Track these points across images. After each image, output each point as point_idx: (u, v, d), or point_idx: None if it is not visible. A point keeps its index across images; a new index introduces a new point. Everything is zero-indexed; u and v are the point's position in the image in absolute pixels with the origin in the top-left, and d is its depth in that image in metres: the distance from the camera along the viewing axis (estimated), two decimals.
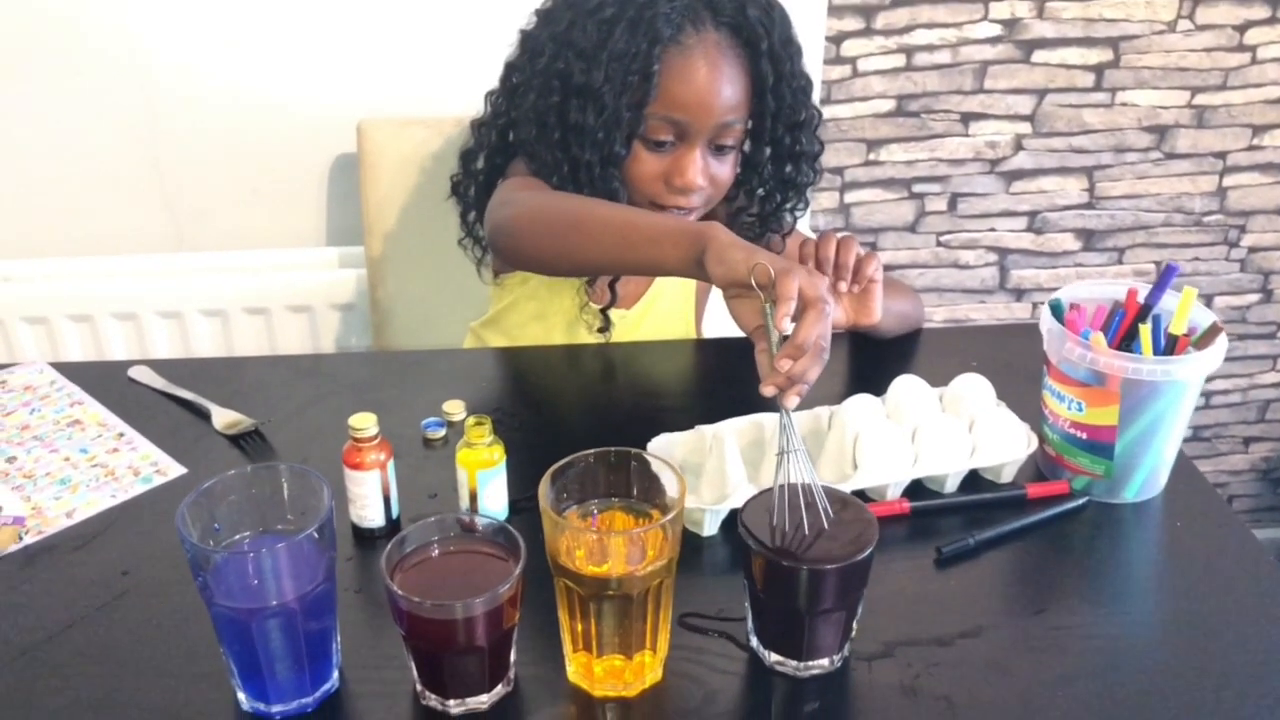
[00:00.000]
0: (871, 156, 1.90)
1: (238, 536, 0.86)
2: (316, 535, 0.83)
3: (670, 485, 0.88)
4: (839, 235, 1.22)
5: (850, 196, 1.93)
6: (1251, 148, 1.97)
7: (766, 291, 0.90)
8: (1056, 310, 1.09)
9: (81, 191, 1.72)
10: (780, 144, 1.28)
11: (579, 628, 0.86)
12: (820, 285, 0.89)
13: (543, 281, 1.36)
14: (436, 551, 0.87)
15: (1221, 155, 1.98)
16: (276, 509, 0.87)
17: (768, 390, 0.90)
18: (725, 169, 1.27)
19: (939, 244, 1.99)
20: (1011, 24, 1.82)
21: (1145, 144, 1.94)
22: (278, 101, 1.68)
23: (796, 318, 0.89)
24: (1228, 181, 2.00)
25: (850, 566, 0.85)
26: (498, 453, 1.02)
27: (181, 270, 1.74)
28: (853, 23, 1.79)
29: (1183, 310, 1.06)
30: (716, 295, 1.13)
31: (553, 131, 1.23)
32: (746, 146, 1.30)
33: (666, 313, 1.44)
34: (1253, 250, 2.08)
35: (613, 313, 1.37)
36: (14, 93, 1.65)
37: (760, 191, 1.33)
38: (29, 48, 1.62)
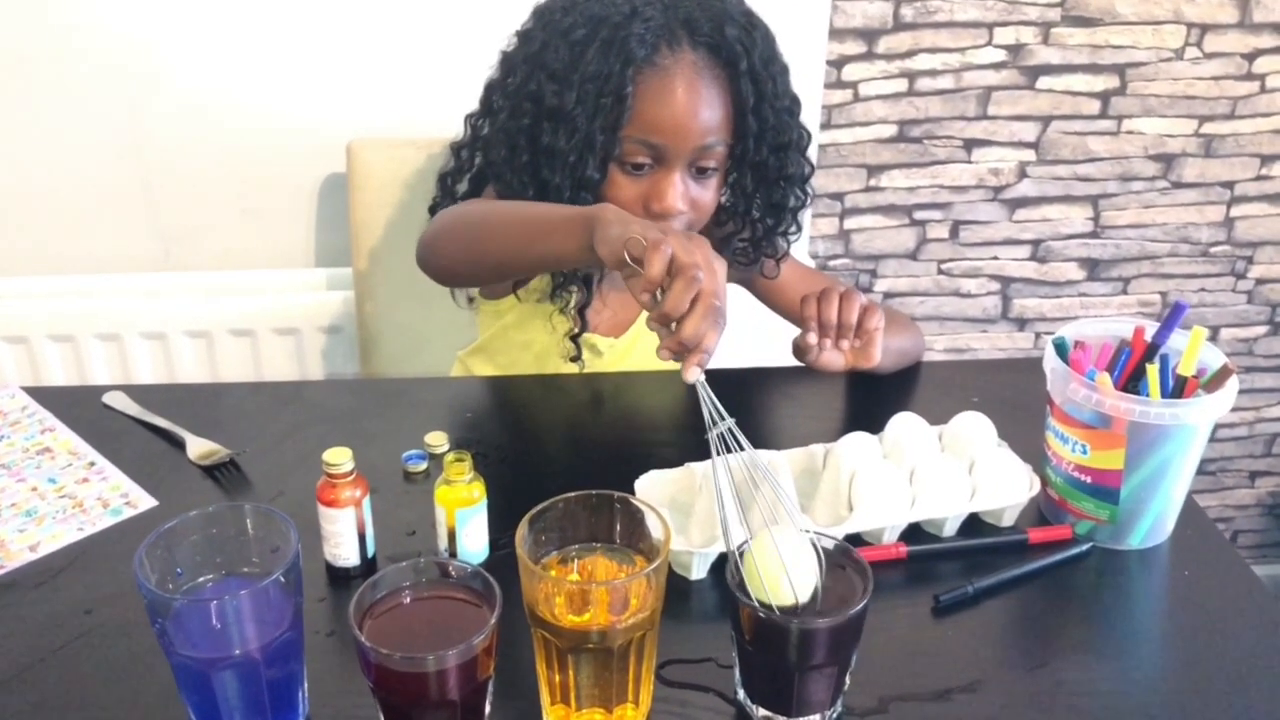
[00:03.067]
0: (872, 182, 1.87)
1: (200, 579, 0.83)
2: (282, 580, 0.79)
3: (655, 530, 0.84)
4: (840, 289, 1.20)
5: (850, 223, 1.89)
6: (1260, 177, 1.94)
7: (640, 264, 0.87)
8: (1061, 349, 1.05)
9: (67, 209, 1.69)
10: (765, 166, 1.23)
11: (557, 679, 0.82)
12: (695, 251, 0.86)
13: (529, 310, 1.32)
14: (409, 598, 0.83)
15: (1229, 185, 1.94)
16: (241, 551, 0.83)
17: (663, 354, 0.87)
18: (707, 193, 1.22)
19: (940, 272, 1.95)
20: (1016, 50, 1.79)
21: (1151, 172, 1.91)
22: (267, 121, 1.65)
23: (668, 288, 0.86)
24: (1235, 211, 1.97)
25: (843, 622, 0.81)
26: (478, 490, 0.98)
27: (166, 290, 1.70)
28: (854, 46, 1.76)
29: (1192, 350, 1.02)
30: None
31: (521, 154, 1.19)
32: (732, 171, 1.25)
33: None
34: (1260, 282, 2.04)
35: (601, 340, 1.33)
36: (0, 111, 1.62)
37: (752, 215, 1.29)
38: (17, 63, 1.59)
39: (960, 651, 0.94)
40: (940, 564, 1.03)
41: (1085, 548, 1.04)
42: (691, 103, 1.15)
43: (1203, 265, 2.01)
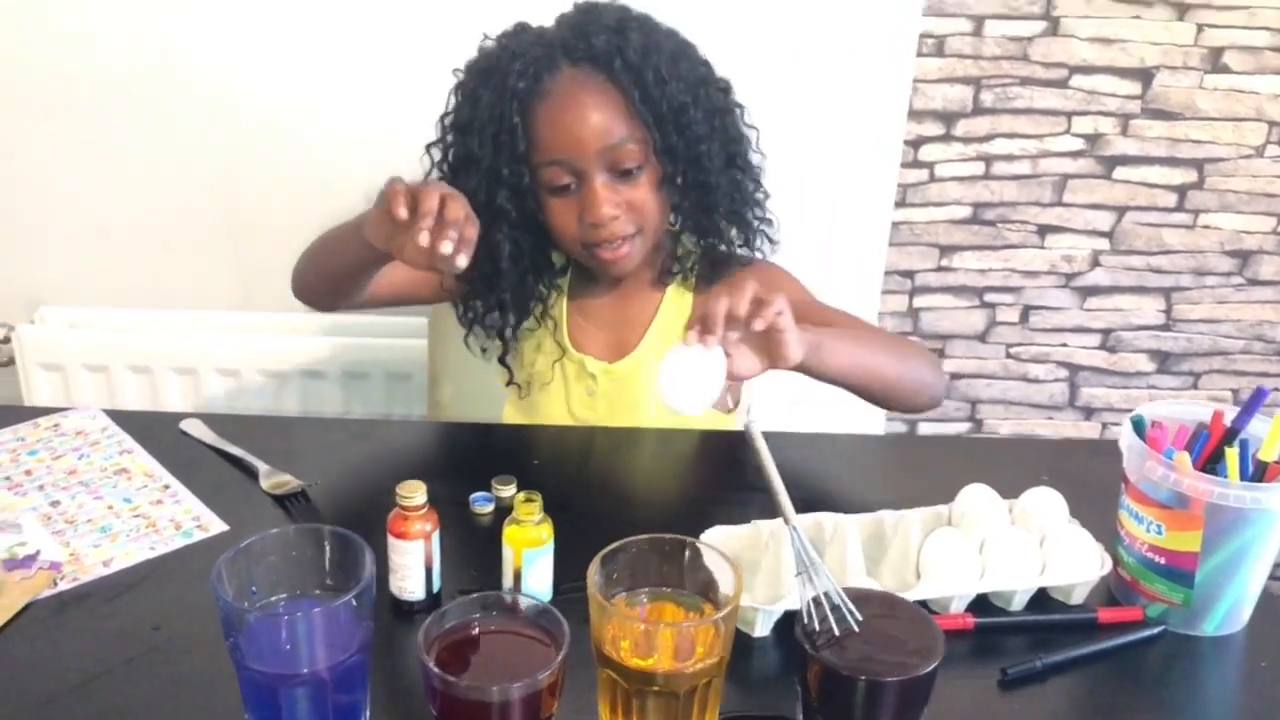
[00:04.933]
0: (944, 262, 1.87)
1: (274, 598, 0.83)
2: (355, 603, 0.79)
3: (726, 580, 0.84)
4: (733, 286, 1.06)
5: (920, 301, 1.90)
6: None
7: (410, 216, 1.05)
8: (1138, 427, 1.04)
9: (153, 244, 1.74)
10: (677, 150, 1.25)
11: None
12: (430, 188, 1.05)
13: (527, 348, 1.38)
14: (477, 630, 0.83)
15: None
16: (316, 573, 0.84)
17: (423, 239, 1.04)
18: (639, 191, 1.26)
19: (1009, 356, 1.95)
20: (1094, 139, 1.80)
21: (1227, 268, 1.90)
22: (351, 167, 1.69)
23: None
24: None
25: (913, 680, 0.80)
26: (546, 531, 0.99)
27: (244, 328, 1.74)
28: (932, 128, 1.78)
29: (1273, 437, 1.00)
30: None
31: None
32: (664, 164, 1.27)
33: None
34: None
35: (595, 365, 1.36)
36: (97, 145, 1.68)
37: (688, 201, 1.30)
38: (114, 102, 1.65)
39: (1031, 713, 0.93)
40: (1008, 638, 1.01)
41: (1157, 630, 1.02)
42: (578, 111, 1.22)
43: (1277, 365, 1.98)
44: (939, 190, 1.82)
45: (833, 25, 1.65)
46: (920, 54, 1.72)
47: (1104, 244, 1.87)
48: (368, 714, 0.85)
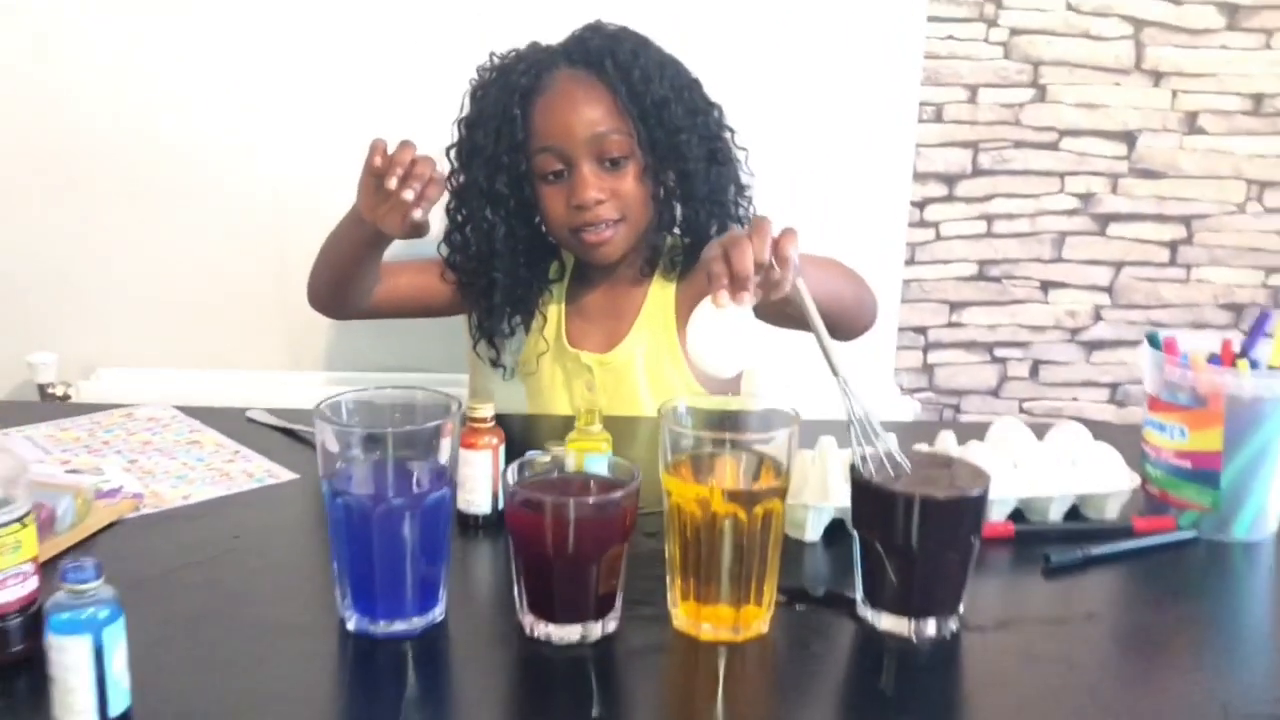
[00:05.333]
0: (954, 318, 1.97)
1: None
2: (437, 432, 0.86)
3: (782, 421, 0.90)
4: (745, 230, 0.98)
5: (933, 356, 1.99)
6: None
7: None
8: (1154, 342, 1.12)
9: (203, 310, 1.83)
10: (660, 143, 1.39)
11: (690, 558, 0.86)
12: (425, 162, 1.19)
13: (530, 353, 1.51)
14: (556, 474, 0.89)
15: None
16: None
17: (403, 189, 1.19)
18: (625, 180, 1.39)
19: (1022, 410, 2.02)
20: (1087, 198, 1.93)
21: (1223, 320, 2.00)
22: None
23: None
24: None
25: (964, 500, 0.85)
26: (605, 443, 1.05)
27: (292, 384, 1.82)
28: (936, 189, 1.91)
29: (1279, 343, 1.08)
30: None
31: (471, 198, 1.43)
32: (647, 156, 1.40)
33: (653, 351, 1.47)
34: None
35: (590, 357, 1.47)
36: (151, 218, 1.78)
37: (668, 185, 1.41)
38: (168, 179, 1.75)
39: (1074, 599, 0.97)
40: (1048, 544, 1.05)
41: (1190, 534, 1.07)
42: (571, 104, 1.38)
43: None
44: (945, 248, 1.94)
45: (840, 94, 1.80)
46: (921, 120, 1.87)
47: (1104, 298, 1.98)
48: (444, 590, 0.89)
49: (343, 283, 1.44)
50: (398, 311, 1.54)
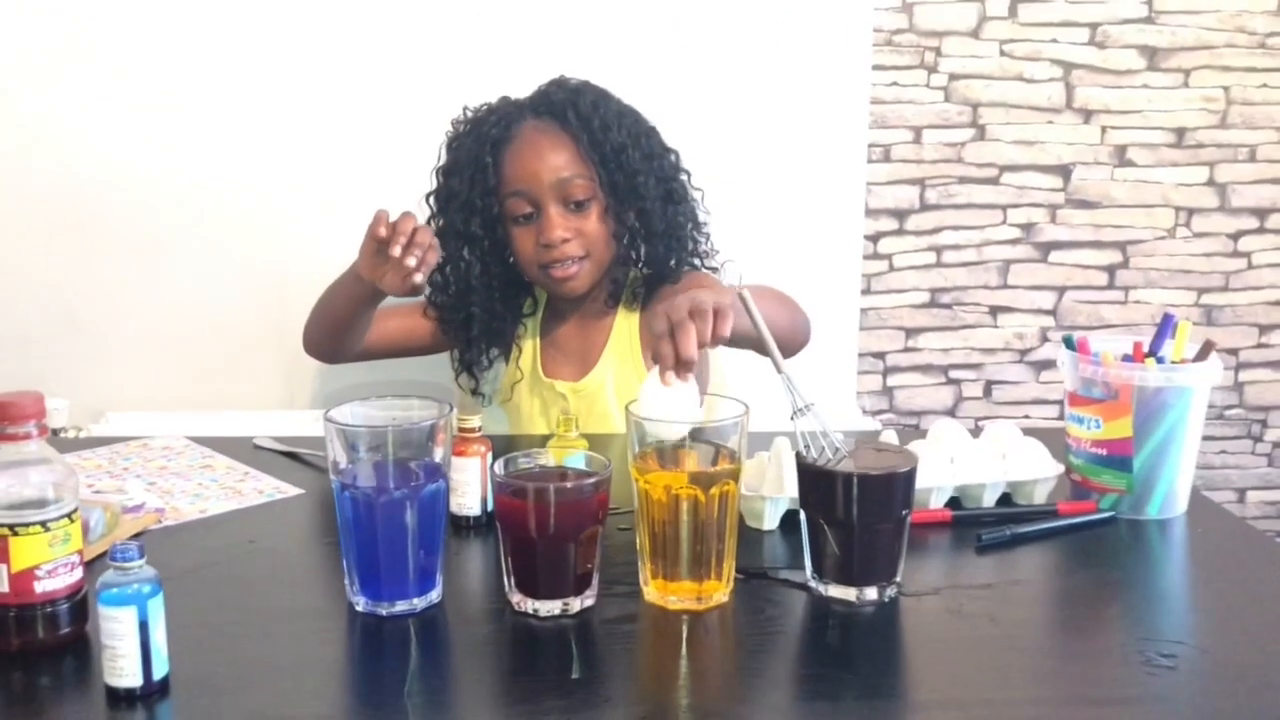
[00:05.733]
0: (910, 343, 2.11)
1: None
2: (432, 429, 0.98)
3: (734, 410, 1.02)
4: (684, 306, 1.05)
5: (892, 380, 2.12)
6: (1260, 345, 2.16)
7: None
8: (1069, 344, 1.25)
9: (207, 353, 1.95)
10: (620, 186, 1.52)
11: (658, 541, 0.98)
12: (424, 231, 1.33)
13: (516, 392, 1.63)
14: (537, 468, 1.01)
15: (1234, 352, 2.15)
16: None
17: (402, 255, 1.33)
18: (589, 221, 1.53)
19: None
20: (1028, 228, 2.08)
21: None
22: None
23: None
24: (1243, 377, 2.17)
25: (895, 476, 0.98)
26: (581, 446, 1.17)
27: (292, 422, 1.92)
28: (887, 223, 2.06)
29: (1180, 340, 1.21)
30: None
31: (449, 240, 1.54)
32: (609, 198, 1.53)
33: (621, 377, 1.59)
34: (1278, 445, 2.21)
35: (564, 385, 1.59)
36: (153, 268, 1.90)
37: (628, 223, 1.55)
38: (169, 231, 1.87)
39: (1001, 568, 1.09)
40: (981, 527, 1.17)
41: (1109, 514, 1.19)
42: (537, 152, 1.52)
43: (1220, 428, 2.19)
44: (899, 278, 2.08)
45: (795, 139, 1.94)
46: (870, 160, 2.02)
47: (1050, 321, 2.11)
48: (440, 575, 1.00)
49: (340, 333, 1.57)
50: (388, 353, 1.67)
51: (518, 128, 1.54)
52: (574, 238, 1.52)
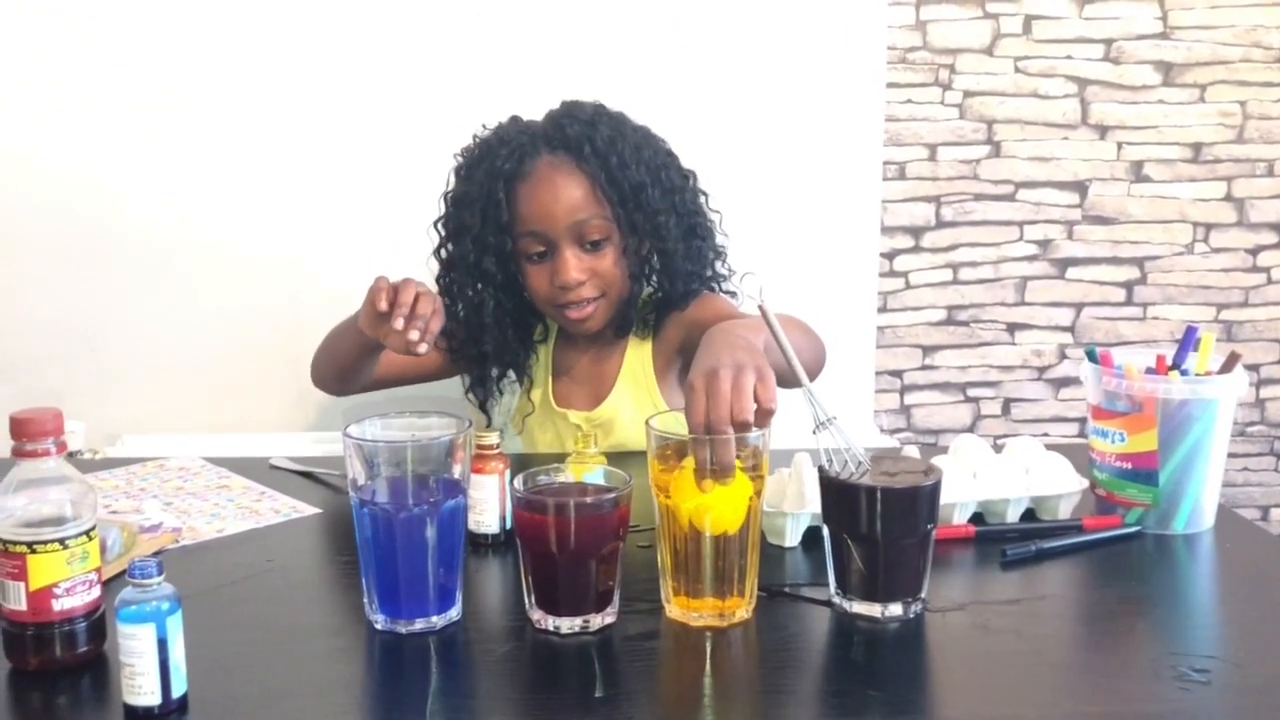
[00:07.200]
0: (927, 361, 2.09)
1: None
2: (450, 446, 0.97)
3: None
4: (726, 375, 0.99)
5: (910, 398, 2.10)
6: None
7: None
8: (1091, 357, 1.24)
9: (223, 376, 1.95)
10: (639, 224, 1.47)
11: (680, 558, 0.97)
12: (425, 299, 1.27)
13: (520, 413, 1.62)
14: (557, 484, 1.00)
15: (1255, 368, 2.14)
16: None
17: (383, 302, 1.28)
18: (604, 261, 1.47)
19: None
20: (1045, 244, 2.07)
21: None
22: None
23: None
24: (1265, 393, 2.15)
25: (919, 490, 0.97)
26: (601, 463, 1.16)
27: (307, 444, 1.92)
28: (903, 241, 2.05)
29: (1204, 353, 1.20)
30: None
31: (453, 271, 1.52)
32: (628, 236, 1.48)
33: (636, 405, 1.55)
34: None
35: (578, 415, 1.55)
36: (167, 296, 1.91)
37: (645, 256, 1.51)
38: (183, 261, 1.88)
39: (1027, 584, 1.07)
40: (1005, 542, 1.16)
41: (1135, 529, 1.18)
42: (552, 191, 1.45)
43: (1242, 445, 2.17)
44: (915, 296, 2.07)
45: (811, 158, 1.94)
46: (886, 178, 2.02)
47: (1068, 338, 2.10)
48: (460, 593, 1.00)
49: (346, 372, 1.57)
50: (397, 382, 1.65)
51: (531, 163, 1.47)
52: (589, 279, 1.47)
